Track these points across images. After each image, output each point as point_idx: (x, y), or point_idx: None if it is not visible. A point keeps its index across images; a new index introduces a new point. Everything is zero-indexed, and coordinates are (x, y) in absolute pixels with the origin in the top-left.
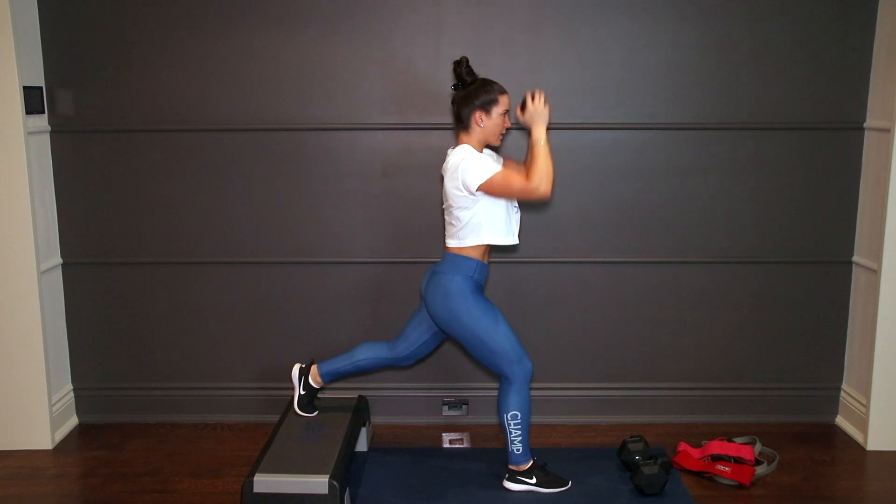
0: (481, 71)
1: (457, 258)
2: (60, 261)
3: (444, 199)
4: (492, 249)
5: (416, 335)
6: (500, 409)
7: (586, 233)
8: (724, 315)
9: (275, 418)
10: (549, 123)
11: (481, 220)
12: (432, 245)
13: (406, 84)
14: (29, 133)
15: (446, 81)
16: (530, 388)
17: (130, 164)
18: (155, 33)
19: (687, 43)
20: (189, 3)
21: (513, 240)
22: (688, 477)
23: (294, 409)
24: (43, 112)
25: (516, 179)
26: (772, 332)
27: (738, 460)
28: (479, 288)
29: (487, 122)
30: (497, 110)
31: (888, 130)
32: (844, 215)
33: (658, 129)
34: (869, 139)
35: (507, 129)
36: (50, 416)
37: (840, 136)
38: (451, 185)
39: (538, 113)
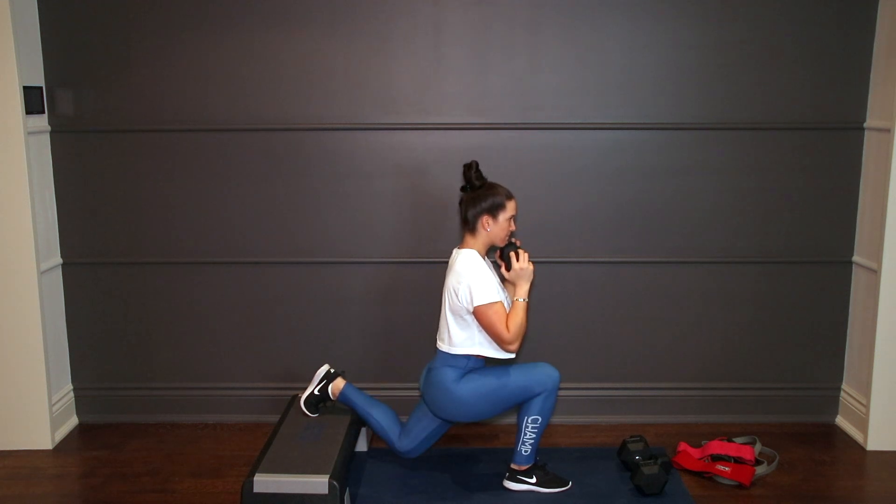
0: (481, 70)
1: (448, 356)
2: (60, 261)
3: (443, 295)
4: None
5: (418, 430)
6: (522, 410)
7: (586, 233)
8: (724, 315)
9: (275, 418)
10: (550, 124)
11: (475, 332)
12: (432, 245)
13: (406, 84)
14: (29, 133)
15: (446, 81)
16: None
17: (130, 164)
18: (155, 33)
19: (687, 43)
20: (189, 3)
21: (509, 354)
22: (688, 477)
23: (300, 402)
24: (43, 112)
25: (501, 322)
26: (772, 332)
27: (738, 460)
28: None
29: (493, 227)
30: (503, 216)
31: (888, 130)
32: (844, 215)
33: (658, 129)
34: (869, 139)
35: (512, 233)
36: (50, 416)
37: (840, 136)
38: (452, 288)
39: (524, 271)
